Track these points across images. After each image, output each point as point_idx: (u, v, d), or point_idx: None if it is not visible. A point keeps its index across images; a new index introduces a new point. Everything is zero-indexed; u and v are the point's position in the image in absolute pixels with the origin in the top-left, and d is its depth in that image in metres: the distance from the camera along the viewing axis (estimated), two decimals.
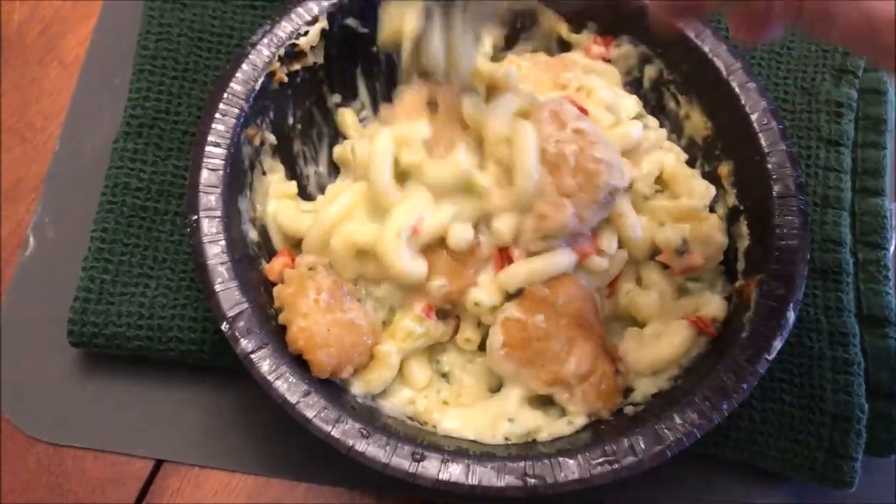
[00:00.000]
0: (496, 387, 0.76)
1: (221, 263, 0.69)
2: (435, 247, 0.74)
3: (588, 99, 0.81)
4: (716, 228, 0.77)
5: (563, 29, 0.87)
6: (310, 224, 0.76)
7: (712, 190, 0.80)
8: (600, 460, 0.65)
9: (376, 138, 0.74)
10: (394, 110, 0.78)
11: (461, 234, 0.73)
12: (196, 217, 0.71)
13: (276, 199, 0.79)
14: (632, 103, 0.83)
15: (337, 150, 0.84)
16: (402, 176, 0.75)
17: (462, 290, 0.74)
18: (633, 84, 0.87)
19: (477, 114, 0.75)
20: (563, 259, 0.74)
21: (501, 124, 0.73)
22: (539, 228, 0.72)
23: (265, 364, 0.67)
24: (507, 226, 0.73)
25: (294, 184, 0.81)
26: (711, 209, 0.81)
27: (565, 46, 0.88)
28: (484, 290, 0.74)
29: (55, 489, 0.77)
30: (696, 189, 0.80)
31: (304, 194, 0.83)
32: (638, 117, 0.82)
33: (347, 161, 0.81)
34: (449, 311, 0.76)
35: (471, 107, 0.75)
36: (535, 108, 0.74)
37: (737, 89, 0.79)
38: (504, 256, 0.75)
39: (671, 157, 0.81)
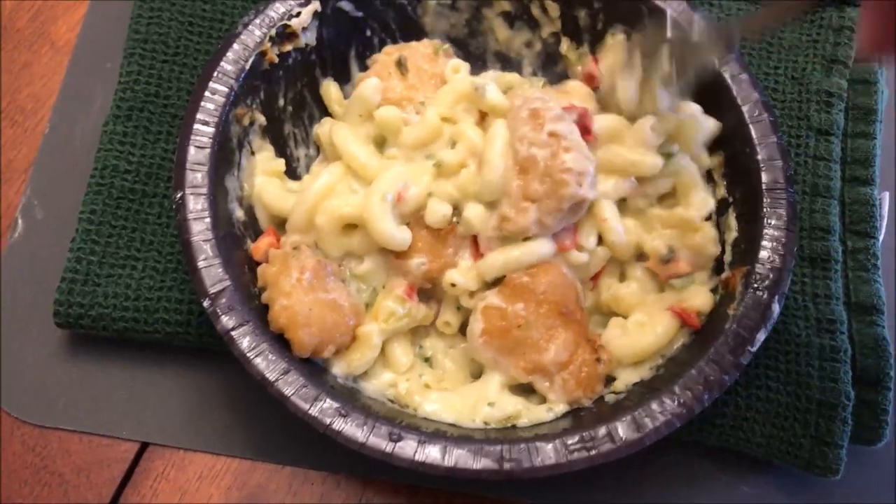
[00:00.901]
0: (478, 373, 0.76)
1: (205, 240, 0.70)
2: (416, 225, 0.74)
3: None
4: (708, 241, 0.77)
5: (565, 45, 0.87)
6: (293, 204, 0.76)
7: (711, 203, 0.79)
8: (578, 446, 0.65)
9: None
10: (367, 75, 0.80)
11: (439, 210, 0.73)
12: (182, 194, 0.71)
13: (262, 175, 0.79)
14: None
15: (317, 129, 0.84)
16: (379, 142, 0.77)
17: (441, 269, 0.74)
18: None
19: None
20: (541, 249, 0.74)
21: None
22: (501, 228, 0.73)
23: (245, 341, 0.67)
24: (475, 216, 0.74)
25: (282, 161, 0.81)
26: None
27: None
28: (461, 273, 0.74)
29: (40, 470, 0.77)
30: (696, 201, 0.79)
31: (294, 176, 0.83)
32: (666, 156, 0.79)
33: (325, 141, 0.82)
34: (431, 293, 0.77)
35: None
36: (515, 105, 0.75)
37: (729, 80, 0.79)
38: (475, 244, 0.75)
39: (687, 174, 0.79)
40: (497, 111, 0.77)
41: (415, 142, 0.76)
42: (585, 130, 0.76)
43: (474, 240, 0.75)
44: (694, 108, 0.80)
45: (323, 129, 0.83)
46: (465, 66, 0.84)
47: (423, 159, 0.76)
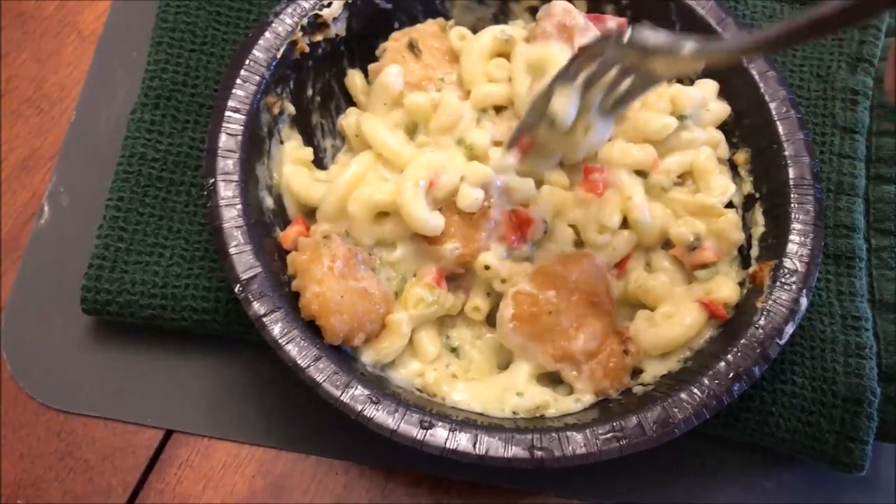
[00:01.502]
0: (505, 364, 0.76)
1: (237, 227, 0.70)
2: (448, 210, 0.74)
3: None
4: (732, 225, 0.77)
5: (583, 7, 0.86)
6: (323, 193, 0.76)
7: (731, 188, 0.80)
8: (608, 436, 0.66)
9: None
10: (381, 64, 0.80)
11: (471, 195, 0.73)
12: (213, 180, 0.71)
13: (290, 163, 0.79)
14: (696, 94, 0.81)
15: (341, 120, 0.84)
16: (410, 129, 0.78)
17: (474, 254, 0.74)
18: None
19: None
20: None
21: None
22: None
23: (277, 327, 0.67)
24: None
25: (310, 150, 0.81)
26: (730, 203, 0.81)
27: None
28: (494, 255, 0.75)
29: (65, 456, 0.77)
30: (716, 186, 0.79)
31: (321, 166, 0.83)
32: (680, 118, 0.80)
33: (351, 132, 0.82)
34: (459, 282, 0.77)
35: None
36: (540, 22, 0.78)
37: (756, 77, 0.79)
38: (516, 222, 0.75)
39: (703, 154, 0.80)
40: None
41: (441, 126, 0.77)
42: None
43: (509, 220, 0.76)
44: (710, 86, 0.82)
45: (348, 119, 0.83)
46: (468, 32, 0.84)
47: (453, 144, 0.76)
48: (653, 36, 0.62)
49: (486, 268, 0.75)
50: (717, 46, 0.61)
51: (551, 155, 0.76)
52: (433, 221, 0.73)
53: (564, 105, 0.69)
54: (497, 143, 0.77)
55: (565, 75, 0.68)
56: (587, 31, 0.76)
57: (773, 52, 0.66)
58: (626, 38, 0.63)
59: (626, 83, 0.67)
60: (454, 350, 0.77)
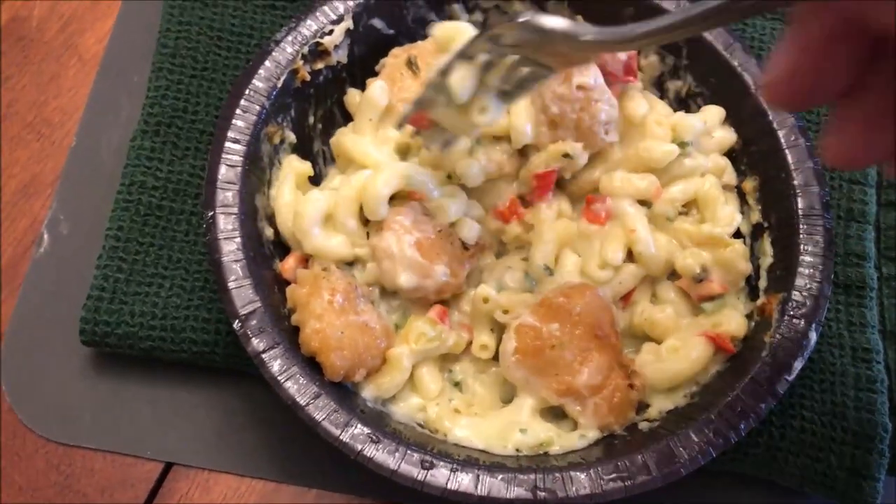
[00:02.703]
0: (508, 397, 0.75)
1: (236, 261, 0.69)
2: (443, 239, 0.74)
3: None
4: (739, 256, 0.76)
5: None
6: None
7: (738, 217, 0.79)
8: (612, 476, 0.64)
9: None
10: (379, 79, 0.80)
11: (472, 227, 0.76)
12: (212, 213, 0.70)
13: (289, 176, 0.78)
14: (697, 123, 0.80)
15: (333, 140, 0.82)
16: (403, 151, 0.78)
17: (458, 287, 0.75)
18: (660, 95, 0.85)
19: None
20: None
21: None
22: None
23: (276, 364, 0.66)
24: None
25: (308, 164, 0.80)
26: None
27: None
28: (490, 285, 0.75)
29: (64, 489, 0.76)
30: (722, 216, 0.78)
31: None
32: (682, 145, 0.79)
33: (336, 150, 0.81)
34: (462, 318, 0.76)
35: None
36: None
37: (765, 105, 0.78)
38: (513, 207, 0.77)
39: (707, 183, 0.79)
40: None
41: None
42: (629, 70, 0.79)
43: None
44: (715, 113, 0.80)
45: (334, 138, 0.81)
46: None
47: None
48: (554, 20, 0.61)
49: (485, 300, 0.74)
50: (618, 33, 0.58)
51: (445, 133, 0.74)
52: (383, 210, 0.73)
53: (462, 80, 0.67)
54: None
55: (466, 53, 0.67)
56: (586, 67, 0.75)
57: (673, 40, 0.64)
58: (529, 19, 0.61)
59: (525, 72, 0.66)
60: (457, 384, 0.76)
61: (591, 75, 0.74)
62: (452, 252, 0.75)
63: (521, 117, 0.75)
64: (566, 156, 0.74)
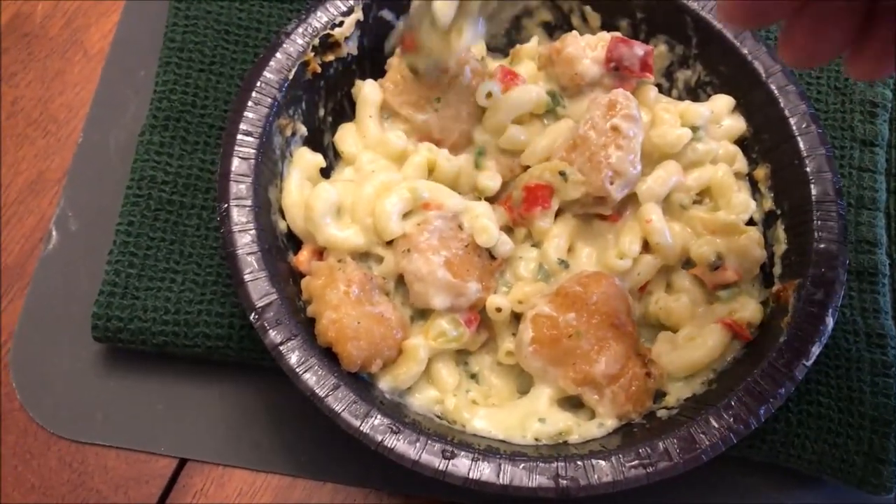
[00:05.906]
0: (525, 388, 0.75)
1: (251, 253, 0.68)
2: (472, 252, 0.74)
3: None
4: (754, 243, 0.76)
5: (597, 23, 0.85)
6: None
7: (752, 204, 0.79)
8: (634, 463, 0.64)
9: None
10: (384, 82, 0.80)
11: (493, 233, 0.75)
12: (226, 206, 0.69)
13: (299, 169, 0.78)
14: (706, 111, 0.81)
15: (336, 137, 0.82)
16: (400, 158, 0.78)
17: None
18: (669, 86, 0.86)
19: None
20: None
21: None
22: None
23: (294, 356, 0.65)
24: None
25: (320, 156, 0.79)
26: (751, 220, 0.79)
27: None
28: (502, 296, 0.74)
29: (77, 487, 0.76)
30: (737, 203, 0.78)
31: None
32: (693, 129, 0.79)
33: (345, 149, 0.81)
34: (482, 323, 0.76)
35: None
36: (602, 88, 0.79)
37: (776, 92, 0.78)
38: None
39: (720, 171, 0.79)
40: None
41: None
42: (645, 66, 0.79)
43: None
44: (724, 102, 0.81)
45: (337, 134, 0.82)
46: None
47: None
48: None
49: (498, 310, 0.73)
50: None
51: (429, 55, 0.76)
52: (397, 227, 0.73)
53: (445, 6, 0.70)
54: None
55: None
56: (632, 119, 0.75)
57: None
58: None
59: None
60: (473, 376, 0.76)
61: (632, 125, 0.74)
62: (482, 265, 0.75)
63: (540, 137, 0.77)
64: (562, 174, 0.74)
